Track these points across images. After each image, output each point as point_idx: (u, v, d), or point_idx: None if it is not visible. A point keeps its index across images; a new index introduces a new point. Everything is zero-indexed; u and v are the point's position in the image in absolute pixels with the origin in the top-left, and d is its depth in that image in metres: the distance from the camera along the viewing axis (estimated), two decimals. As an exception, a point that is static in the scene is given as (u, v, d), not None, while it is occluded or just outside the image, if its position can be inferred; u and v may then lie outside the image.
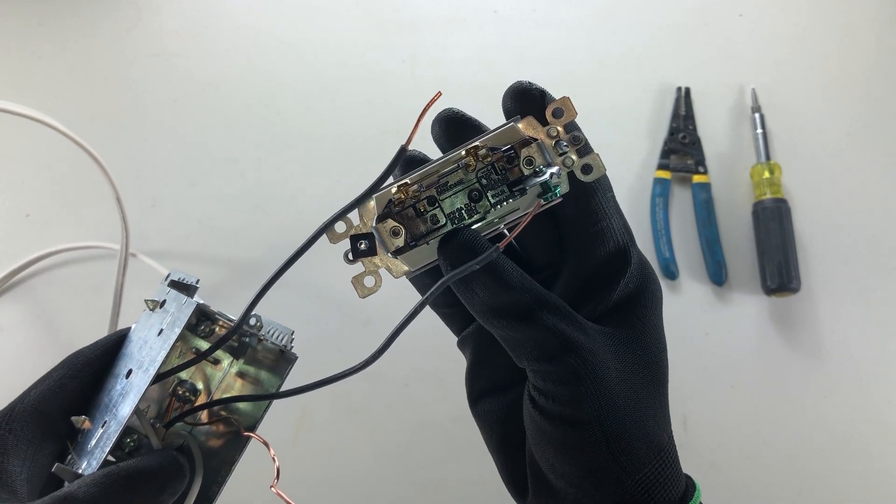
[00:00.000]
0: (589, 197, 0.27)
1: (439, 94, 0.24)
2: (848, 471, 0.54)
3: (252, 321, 0.29)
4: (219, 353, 0.30)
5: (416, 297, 0.31)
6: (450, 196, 0.26)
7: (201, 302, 0.27)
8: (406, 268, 0.27)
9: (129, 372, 0.27)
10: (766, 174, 0.59)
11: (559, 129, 0.26)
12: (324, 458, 0.55)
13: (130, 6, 0.69)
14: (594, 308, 0.28)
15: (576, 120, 0.26)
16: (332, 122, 0.65)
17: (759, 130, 0.61)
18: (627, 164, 0.62)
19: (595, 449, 0.25)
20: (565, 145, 0.26)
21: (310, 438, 0.55)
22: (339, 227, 0.26)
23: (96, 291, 0.60)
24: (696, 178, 0.60)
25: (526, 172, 0.25)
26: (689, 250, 0.59)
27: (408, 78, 0.66)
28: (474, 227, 0.26)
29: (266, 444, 0.28)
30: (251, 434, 0.29)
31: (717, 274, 0.58)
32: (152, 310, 0.29)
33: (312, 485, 0.55)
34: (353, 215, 0.26)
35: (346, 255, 0.26)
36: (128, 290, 0.56)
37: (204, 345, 0.29)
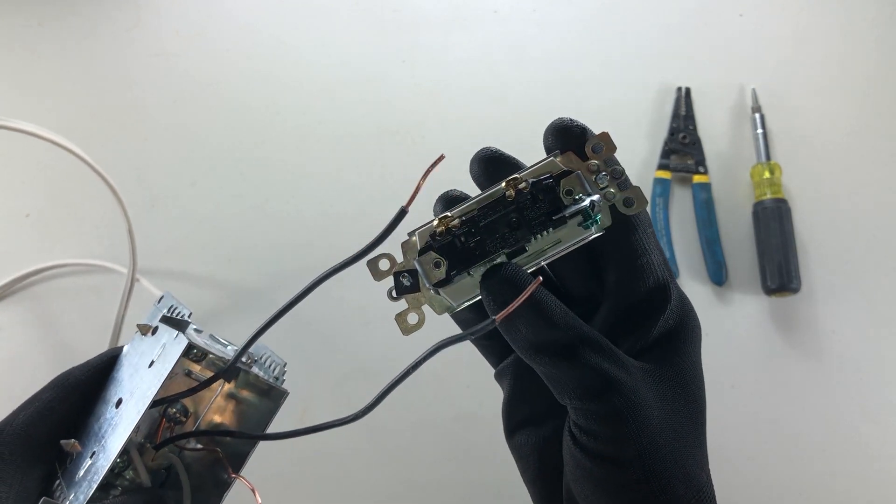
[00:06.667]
0: (630, 232, 0.27)
1: (442, 156, 0.25)
2: (848, 471, 0.54)
3: (243, 357, 0.28)
4: (210, 374, 0.29)
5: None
6: (490, 226, 0.25)
7: (193, 337, 0.27)
8: (449, 303, 0.26)
9: (120, 401, 0.26)
10: (767, 174, 0.59)
11: (599, 163, 0.26)
12: (323, 457, 0.55)
13: (130, 6, 0.69)
14: (633, 344, 0.27)
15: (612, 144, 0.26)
16: (332, 122, 0.65)
17: (759, 130, 0.61)
18: (628, 164, 0.62)
19: (636, 488, 0.25)
20: (606, 178, 0.26)
21: (309, 438, 0.55)
22: (384, 264, 0.26)
23: (99, 301, 0.60)
24: (697, 178, 0.60)
25: (566, 202, 0.25)
26: (689, 250, 0.59)
27: (407, 78, 0.66)
28: (516, 259, 0.26)
29: (253, 490, 0.27)
30: (240, 478, 0.28)
31: (717, 274, 0.58)
32: (144, 334, 0.28)
33: (312, 485, 0.55)
34: (397, 252, 0.26)
35: (389, 293, 0.26)
36: (131, 305, 0.56)
37: (196, 367, 0.28)
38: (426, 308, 0.27)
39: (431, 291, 0.26)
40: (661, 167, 0.61)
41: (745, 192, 0.60)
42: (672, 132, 0.62)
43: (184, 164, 0.64)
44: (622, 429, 0.25)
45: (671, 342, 0.28)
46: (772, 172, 0.59)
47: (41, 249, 0.61)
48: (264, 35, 0.68)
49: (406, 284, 0.26)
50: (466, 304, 0.27)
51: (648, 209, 0.59)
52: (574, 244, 0.26)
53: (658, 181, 0.60)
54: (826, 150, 0.61)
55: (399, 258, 0.26)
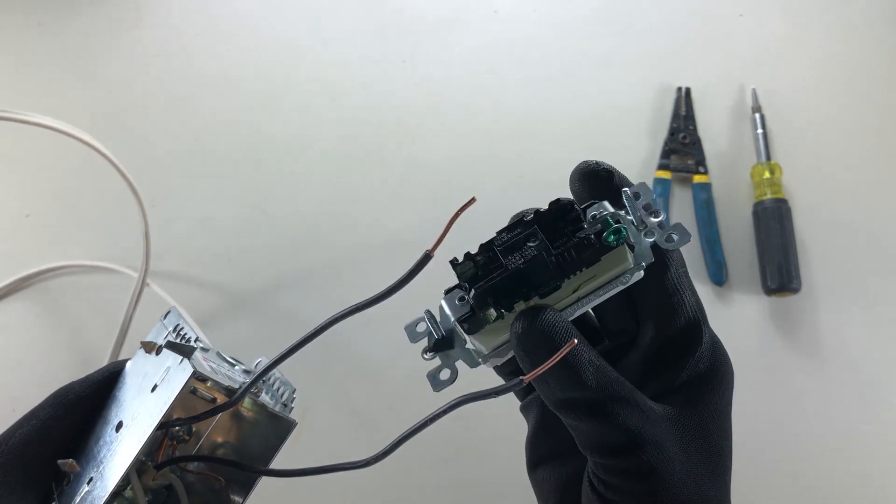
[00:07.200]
0: (663, 271, 0.27)
1: (473, 199, 0.23)
2: (848, 471, 0.54)
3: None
4: (216, 394, 0.28)
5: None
6: (508, 248, 0.24)
7: (199, 364, 0.25)
8: (481, 350, 0.26)
9: (120, 424, 0.25)
10: (767, 174, 0.59)
11: (636, 208, 0.25)
12: (324, 458, 0.55)
13: (131, 6, 0.69)
14: (661, 385, 0.27)
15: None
16: (332, 122, 0.65)
17: (759, 130, 0.61)
18: (628, 164, 0.62)
19: None
20: (643, 217, 0.25)
21: (310, 438, 0.55)
22: (420, 327, 0.26)
23: (102, 302, 0.60)
24: (697, 178, 0.60)
25: (588, 222, 0.24)
26: (689, 250, 0.59)
27: (408, 78, 0.66)
28: (548, 298, 0.24)
29: None
30: None
31: (717, 274, 0.58)
32: (148, 353, 0.27)
33: (312, 486, 0.55)
34: (435, 310, 0.26)
35: (423, 353, 0.26)
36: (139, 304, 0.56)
37: (202, 385, 0.27)
38: (460, 364, 0.26)
39: (466, 346, 0.25)
40: (661, 167, 0.61)
41: (745, 192, 0.60)
42: (672, 132, 0.62)
43: (184, 164, 0.64)
44: (643, 485, 0.25)
45: (700, 387, 0.27)
46: (772, 172, 0.59)
47: (42, 250, 0.61)
48: (265, 35, 0.68)
49: (438, 338, 0.26)
50: (500, 350, 0.26)
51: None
52: (612, 285, 0.25)
53: (658, 181, 0.60)
54: (826, 150, 0.61)
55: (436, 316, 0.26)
